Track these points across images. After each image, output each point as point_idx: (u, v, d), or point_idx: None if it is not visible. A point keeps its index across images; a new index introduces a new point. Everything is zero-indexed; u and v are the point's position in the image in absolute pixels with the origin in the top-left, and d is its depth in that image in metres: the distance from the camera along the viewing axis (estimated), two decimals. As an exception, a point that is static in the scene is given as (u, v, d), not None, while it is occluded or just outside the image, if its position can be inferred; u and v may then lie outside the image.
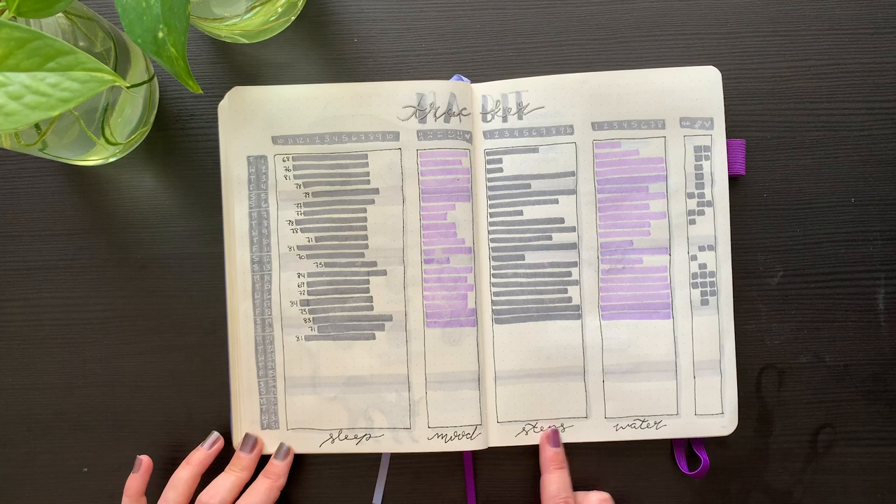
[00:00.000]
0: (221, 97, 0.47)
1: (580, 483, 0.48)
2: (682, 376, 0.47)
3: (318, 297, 0.47)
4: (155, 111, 0.48)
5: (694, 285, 0.47)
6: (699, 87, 0.47)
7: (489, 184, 0.47)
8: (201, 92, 0.37)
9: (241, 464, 0.46)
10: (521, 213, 0.47)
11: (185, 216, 0.49)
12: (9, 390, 0.49)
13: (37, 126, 0.39)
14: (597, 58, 0.49)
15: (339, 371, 0.47)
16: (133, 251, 0.49)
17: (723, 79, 0.47)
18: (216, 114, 0.48)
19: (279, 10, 0.46)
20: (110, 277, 0.49)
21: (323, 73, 0.49)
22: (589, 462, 0.48)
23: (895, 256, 0.48)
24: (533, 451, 0.48)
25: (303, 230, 0.47)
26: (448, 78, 0.48)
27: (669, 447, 0.48)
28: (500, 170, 0.47)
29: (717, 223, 0.47)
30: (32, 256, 0.49)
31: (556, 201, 0.47)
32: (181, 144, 0.49)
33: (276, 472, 0.46)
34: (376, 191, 0.47)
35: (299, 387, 0.47)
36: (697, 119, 0.47)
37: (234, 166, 0.47)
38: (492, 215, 0.47)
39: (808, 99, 0.48)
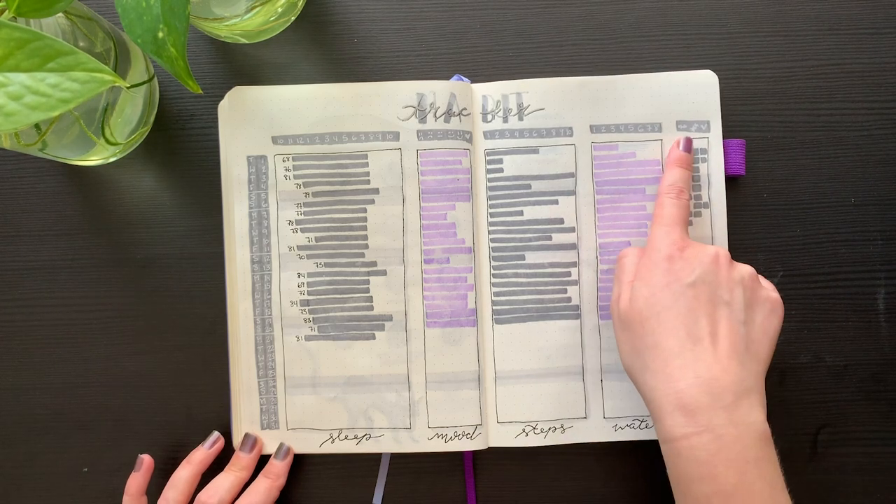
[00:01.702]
0: (221, 97, 0.47)
1: (581, 484, 0.48)
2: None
3: (318, 297, 0.47)
4: (155, 111, 0.48)
5: (694, 285, 0.47)
6: (696, 90, 0.47)
7: (489, 184, 0.48)
8: (201, 92, 0.37)
9: (240, 463, 0.46)
10: (521, 213, 0.47)
11: (185, 216, 0.49)
12: (9, 390, 0.49)
13: (37, 126, 0.39)
14: (597, 58, 0.49)
15: (339, 371, 0.47)
16: (133, 251, 0.49)
17: (723, 79, 0.47)
18: (216, 114, 0.48)
19: (279, 10, 0.46)
20: (110, 277, 0.49)
21: (323, 73, 0.49)
22: (589, 462, 0.48)
23: (895, 256, 0.48)
24: (533, 451, 0.48)
25: (303, 230, 0.47)
26: (448, 78, 0.48)
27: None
28: (501, 170, 0.47)
29: (715, 225, 0.47)
30: (32, 256, 0.49)
31: (556, 202, 0.47)
32: (181, 144, 0.49)
33: (276, 472, 0.47)
34: (376, 191, 0.47)
35: (299, 387, 0.47)
36: (694, 122, 0.47)
37: (234, 166, 0.47)
38: (492, 215, 0.47)
39: (808, 99, 0.48)
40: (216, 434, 0.48)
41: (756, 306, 0.41)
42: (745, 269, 0.41)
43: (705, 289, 0.40)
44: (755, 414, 0.38)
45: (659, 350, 0.39)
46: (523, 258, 0.47)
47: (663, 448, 0.39)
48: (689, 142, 0.46)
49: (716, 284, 0.40)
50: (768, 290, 0.42)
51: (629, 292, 0.42)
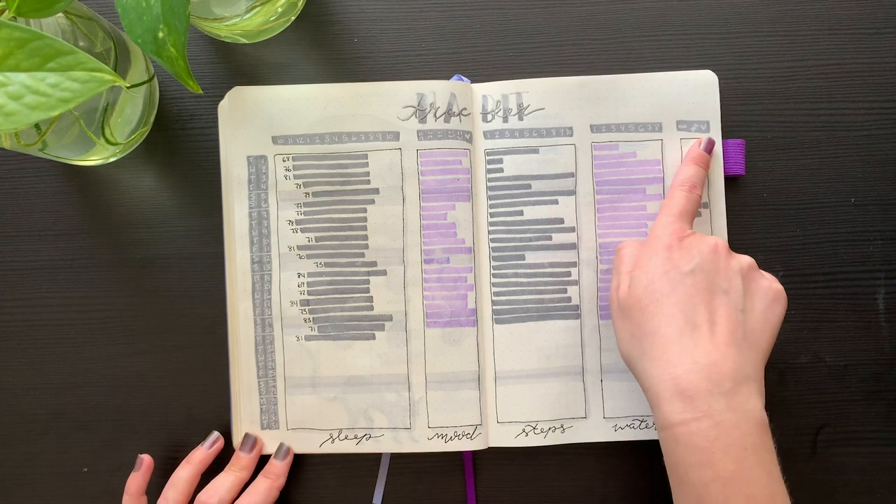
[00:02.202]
0: (221, 97, 0.47)
1: (581, 484, 0.48)
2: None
3: (318, 297, 0.47)
4: (155, 111, 0.48)
5: (694, 285, 0.47)
6: (696, 90, 0.47)
7: (489, 184, 0.48)
8: (201, 92, 0.37)
9: (240, 463, 0.46)
10: (521, 213, 0.47)
11: (185, 216, 0.49)
12: (9, 390, 0.49)
13: (37, 126, 0.39)
14: (597, 58, 0.49)
15: (339, 371, 0.47)
16: (133, 251, 0.49)
17: (723, 79, 0.47)
18: (216, 114, 0.48)
19: (279, 10, 0.46)
20: (110, 277, 0.49)
21: (323, 73, 0.49)
22: (589, 462, 0.48)
23: (895, 256, 0.48)
24: (533, 451, 0.48)
25: (303, 230, 0.47)
26: (448, 78, 0.48)
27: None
28: (501, 170, 0.47)
29: (714, 225, 0.47)
30: (32, 256, 0.49)
31: (556, 202, 0.47)
32: (181, 144, 0.49)
33: (276, 472, 0.47)
34: (376, 191, 0.47)
35: (299, 387, 0.47)
36: (694, 122, 0.47)
37: (234, 166, 0.47)
38: (492, 215, 0.47)
39: (808, 99, 0.48)
40: (216, 434, 0.48)
41: (756, 295, 0.41)
42: (745, 260, 0.41)
43: (703, 277, 0.40)
44: (753, 401, 0.38)
45: (657, 336, 0.39)
46: (523, 258, 0.47)
47: (661, 435, 0.39)
48: (711, 143, 0.46)
49: (714, 273, 0.40)
50: (769, 280, 0.41)
51: (628, 281, 0.42)
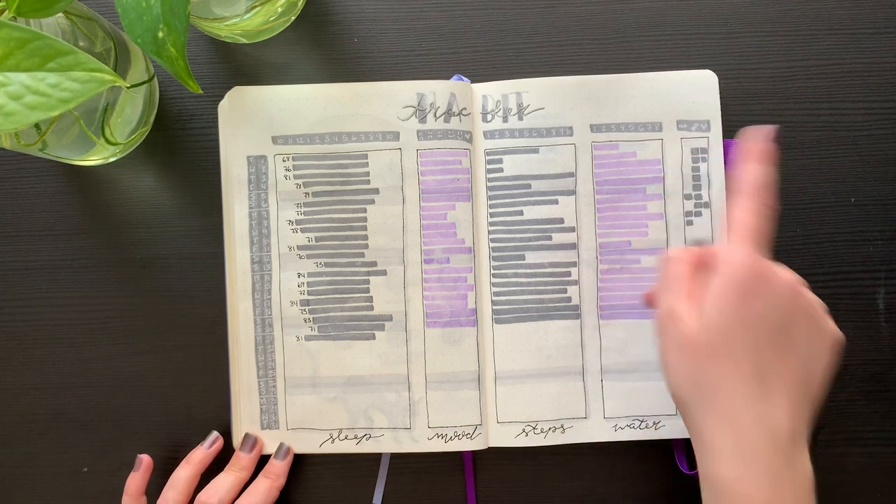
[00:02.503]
0: (221, 97, 0.47)
1: (581, 484, 0.48)
2: (681, 376, 0.47)
3: (318, 297, 0.47)
4: (155, 111, 0.48)
5: (694, 285, 0.47)
6: (696, 90, 0.47)
7: (489, 184, 0.48)
8: (201, 92, 0.37)
9: (240, 463, 0.46)
10: (521, 213, 0.47)
11: (185, 216, 0.49)
12: (9, 390, 0.49)
13: (37, 126, 0.39)
14: (597, 58, 0.49)
15: (339, 371, 0.47)
16: (133, 251, 0.49)
17: (723, 79, 0.47)
18: (216, 114, 0.48)
19: (279, 10, 0.46)
20: (110, 277, 0.49)
21: (323, 73, 0.49)
22: (589, 462, 0.48)
23: (895, 256, 0.48)
24: (533, 451, 0.48)
25: (303, 230, 0.47)
26: (448, 78, 0.48)
27: (669, 447, 0.48)
28: (501, 170, 0.47)
29: (715, 224, 0.47)
30: (32, 256, 0.49)
31: (556, 202, 0.47)
32: (181, 144, 0.49)
33: (276, 472, 0.47)
34: (376, 191, 0.47)
35: (299, 387, 0.47)
36: (694, 122, 0.47)
37: (234, 166, 0.47)
38: (492, 215, 0.47)
39: (808, 99, 0.48)
40: (215, 434, 0.48)
41: (820, 346, 0.38)
42: (816, 301, 0.38)
43: (776, 323, 0.37)
44: (806, 461, 0.37)
45: (721, 387, 0.36)
46: (523, 258, 0.47)
47: (709, 488, 0.37)
48: (771, 131, 0.40)
49: (788, 318, 0.37)
50: (834, 327, 0.39)
51: (697, 314, 0.37)
